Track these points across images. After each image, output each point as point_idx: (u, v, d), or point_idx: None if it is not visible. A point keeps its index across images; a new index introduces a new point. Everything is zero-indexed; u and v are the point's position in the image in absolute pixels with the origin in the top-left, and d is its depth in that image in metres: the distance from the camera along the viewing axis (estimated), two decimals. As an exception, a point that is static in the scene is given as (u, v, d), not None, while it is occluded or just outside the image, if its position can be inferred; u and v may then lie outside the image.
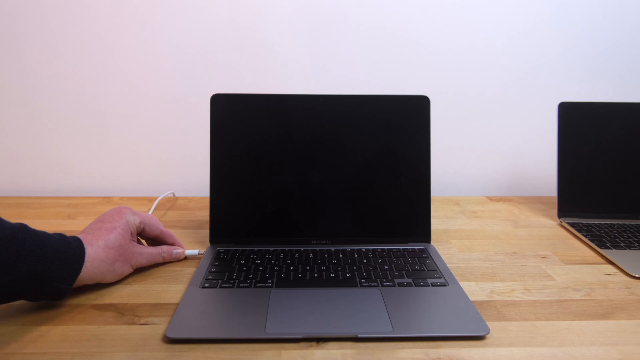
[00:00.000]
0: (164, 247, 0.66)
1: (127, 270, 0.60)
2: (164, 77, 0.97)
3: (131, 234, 0.61)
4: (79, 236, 0.55)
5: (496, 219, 0.87)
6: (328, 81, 0.99)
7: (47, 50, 0.95)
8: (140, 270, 0.64)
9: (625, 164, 0.84)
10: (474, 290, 0.60)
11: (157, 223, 0.66)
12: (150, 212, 0.85)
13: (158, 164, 1.02)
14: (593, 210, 0.84)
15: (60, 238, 0.51)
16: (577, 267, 0.67)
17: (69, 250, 0.51)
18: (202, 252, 0.68)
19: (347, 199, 0.71)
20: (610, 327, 0.52)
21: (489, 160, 1.05)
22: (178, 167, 1.03)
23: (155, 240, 0.67)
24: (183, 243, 0.71)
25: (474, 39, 0.98)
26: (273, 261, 0.65)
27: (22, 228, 0.48)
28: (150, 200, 0.95)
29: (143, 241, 0.68)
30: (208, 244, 0.71)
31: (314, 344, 0.49)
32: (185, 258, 0.68)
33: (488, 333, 0.50)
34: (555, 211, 0.85)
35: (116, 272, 0.58)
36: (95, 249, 0.54)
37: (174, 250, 0.67)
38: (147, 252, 0.63)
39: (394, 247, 0.70)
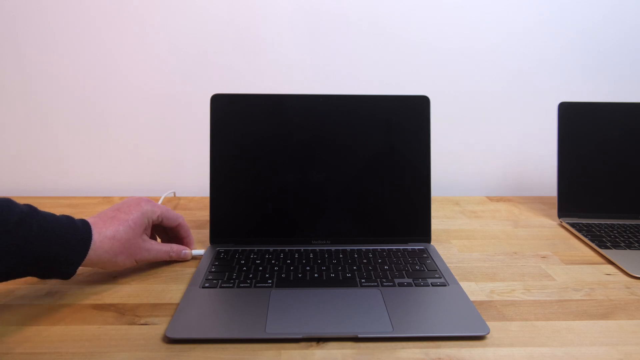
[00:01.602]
0: (175, 247, 0.66)
1: (130, 263, 0.60)
2: (164, 77, 0.97)
3: (145, 227, 0.61)
4: (89, 221, 0.55)
5: (496, 219, 0.87)
6: (328, 81, 0.99)
7: (47, 50, 0.95)
8: (140, 270, 0.64)
9: (625, 164, 0.84)
10: (474, 290, 0.60)
11: (176, 216, 0.65)
12: None
13: (158, 164, 1.02)
14: (593, 210, 0.84)
15: (68, 222, 0.52)
16: (577, 267, 0.67)
17: (75, 235, 0.51)
18: None
19: (347, 199, 0.71)
20: (610, 327, 0.52)
21: (489, 160, 1.05)
22: (178, 167, 1.03)
23: (172, 231, 0.67)
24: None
25: (474, 39, 0.98)
26: (273, 261, 0.65)
27: (31, 212, 0.49)
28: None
29: (158, 238, 0.69)
30: (208, 244, 0.71)
31: (314, 344, 0.49)
32: (193, 258, 0.68)
33: (488, 333, 0.50)
34: (555, 211, 0.85)
35: (117, 264, 0.58)
36: (102, 237, 0.54)
37: (183, 251, 0.67)
38: (155, 249, 0.63)
39: (394, 247, 0.70)
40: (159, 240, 0.69)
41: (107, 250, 0.55)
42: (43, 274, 0.51)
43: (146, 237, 0.62)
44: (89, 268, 0.64)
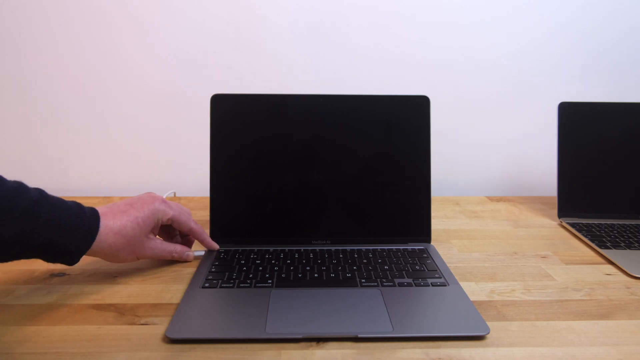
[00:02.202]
0: (178, 247, 0.66)
1: (131, 259, 0.60)
2: (164, 77, 0.97)
3: (154, 226, 0.60)
4: (100, 211, 0.55)
5: (496, 219, 0.87)
6: (328, 81, 0.99)
7: (47, 50, 0.95)
8: (140, 270, 0.64)
9: (625, 164, 0.84)
10: (474, 290, 0.60)
11: (188, 220, 0.64)
12: None
13: (158, 164, 1.02)
14: (593, 210, 0.84)
15: (76, 211, 0.52)
16: (577, 267, 0.67)
17: (82, 227, 0.52)
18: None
19: (347, 199, 0.71)
20: (610, 327, 0.52)
21: (489, 160, 1.05)
22: (178, 167, 1.03)
23: (183, 232, 0.67)
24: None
25: (474, 39, 0.98)
26: (273, 261, 0.65)
27: (40, 199, 0.49)
28: (150, 200, 0.95)
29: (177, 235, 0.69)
30: (208, 244, 0.71)
31: (314, 344, 0.49)
32: (194, 258, 0.68)
33: (488, 333, 0.50)
34: (555, 211, 0.85)
35: (118, 258, 0.58)
36: (108, 231, 0.54)
37: (186, 252, 0.66)
38: (159, 249, 0.63)
39: (394, 247, 0.70)
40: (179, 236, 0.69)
41: (111, 244, 0.55)
42: (47, 259, 0.52)
43: (152, 236, 0.62)
44: (90, 268, 0.64)
